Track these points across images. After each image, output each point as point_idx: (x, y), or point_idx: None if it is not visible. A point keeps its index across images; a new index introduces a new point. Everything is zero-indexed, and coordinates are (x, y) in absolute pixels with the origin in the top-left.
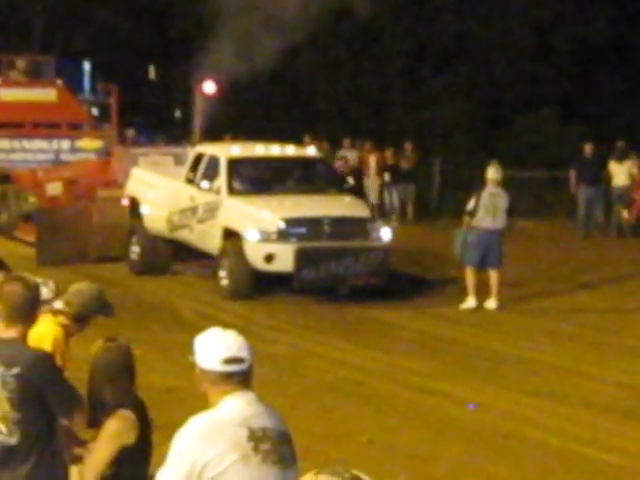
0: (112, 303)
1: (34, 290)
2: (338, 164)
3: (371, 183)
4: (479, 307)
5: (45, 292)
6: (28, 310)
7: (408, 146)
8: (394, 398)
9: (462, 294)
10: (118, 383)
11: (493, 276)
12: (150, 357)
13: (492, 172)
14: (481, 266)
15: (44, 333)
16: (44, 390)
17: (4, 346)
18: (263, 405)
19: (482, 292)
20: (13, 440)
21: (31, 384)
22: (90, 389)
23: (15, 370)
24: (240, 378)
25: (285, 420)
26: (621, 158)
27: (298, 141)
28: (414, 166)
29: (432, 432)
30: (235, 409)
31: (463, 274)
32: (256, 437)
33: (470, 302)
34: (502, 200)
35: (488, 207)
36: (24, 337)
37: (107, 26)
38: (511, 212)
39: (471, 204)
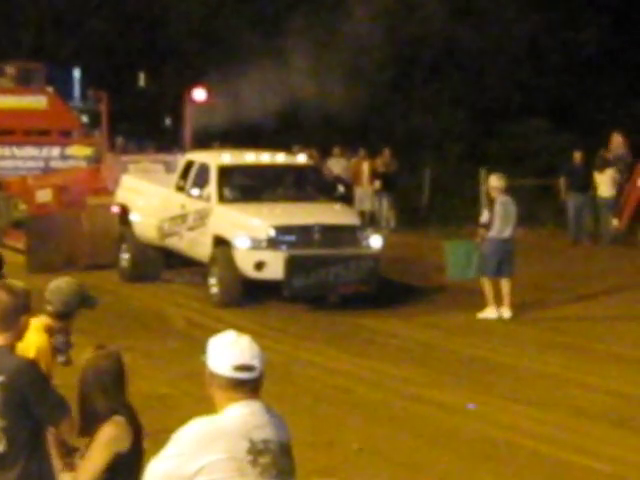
0: (94, 295)
1: (20, 297)
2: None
3: (364, 191)
4: (474, 316)
5: None
6: (13, 317)
7: (386, 152)
8: (384, 406)
9: (451, 302)
10: (110, 390)
11: (506, 285)
12: (140, 364)
13: (496, 180)
14: (496, 275)
15: (27, 342)
16: (29, 398)
17: None
18: (269, 415)
19: (478, 301)
20: (0, 447)
21: (16, 392)
22: (81, 397)
23: None
24: (249, 386)
25: (289, 429)
26: (602, 168)
27: (287, 149)
28: (394, 172)
29: (422, 440)
30: (239, 419)
31: (447, 283)
32: (256, 450)
33: (491, 312)
34: (513, 208)
35: (503, 217)
36: (11, 344)
37: (97, 33)
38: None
39: (485, 216)
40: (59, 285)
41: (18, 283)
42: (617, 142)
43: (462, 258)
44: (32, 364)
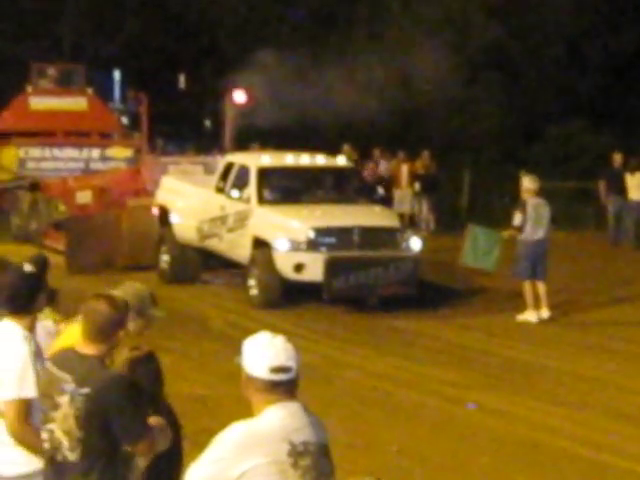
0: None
1: (121, 310)
2: (366, 173)
3: (403, 193)
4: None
5: None
6: (111, 330)
7: (426, 154)
8: (423, 408)
9: (491, 304)
10: (147, 391)
11: (541, 287)
12: (179, 366)
13: (528, 182)
14: (531, 277)
15: (70, 342)
16: (110, 415)
17: (80, 362)
18: (307, 416)
19: (517, 304)
20: (74, 456)
21: (98, 407)
22: None
23: (85, 390)
24: (286, 387)
25: (327, 430)
26: (633, 170)
27: (335, 150)
28: (433, 174)
29: (461, 442)
30: (278, 422)
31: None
32: (297, 452)
33: (530, 315)
34: (546, 210)
35: (535, 219)
36: (103, 356)
37: (137, 35)
38: (552, 220)
39: (518, 219)
40: (127, 289)
41: (117, 293)
42: None
43: (481, 246)
44: (121, 380)
